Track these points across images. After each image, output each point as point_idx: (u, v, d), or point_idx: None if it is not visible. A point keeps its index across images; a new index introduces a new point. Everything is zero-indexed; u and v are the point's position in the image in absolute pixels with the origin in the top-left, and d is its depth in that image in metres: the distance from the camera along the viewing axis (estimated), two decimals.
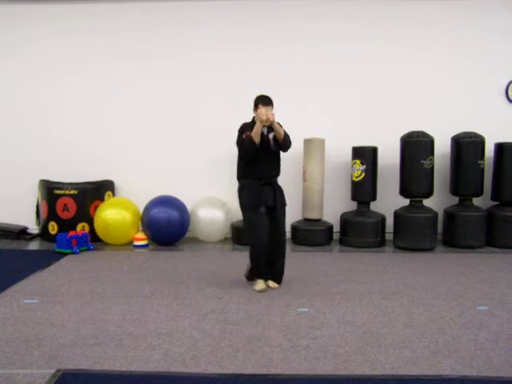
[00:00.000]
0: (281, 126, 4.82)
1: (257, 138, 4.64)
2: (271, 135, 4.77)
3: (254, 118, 4.79)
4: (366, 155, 6.85)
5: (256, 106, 4.72)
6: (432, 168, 6.74)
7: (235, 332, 3.83)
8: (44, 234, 7.14)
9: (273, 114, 4.66)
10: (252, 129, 4.69)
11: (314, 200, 6.95)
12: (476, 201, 6.97)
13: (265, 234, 4.74)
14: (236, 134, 4.84)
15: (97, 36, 7.31)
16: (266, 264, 4.84)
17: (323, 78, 7.23)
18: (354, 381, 3.11)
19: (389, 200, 7.07)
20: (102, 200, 7.03)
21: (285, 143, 4.81)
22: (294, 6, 7.17)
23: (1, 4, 7.29)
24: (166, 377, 3.14)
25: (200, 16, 7.23)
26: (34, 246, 6.99)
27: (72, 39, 7.33)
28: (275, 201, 4.82)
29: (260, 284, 4.85)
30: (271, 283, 4.92)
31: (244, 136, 4.71)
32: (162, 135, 7.34)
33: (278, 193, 4.87)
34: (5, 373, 3.15)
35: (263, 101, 4.71)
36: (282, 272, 4.96)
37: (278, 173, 4.96)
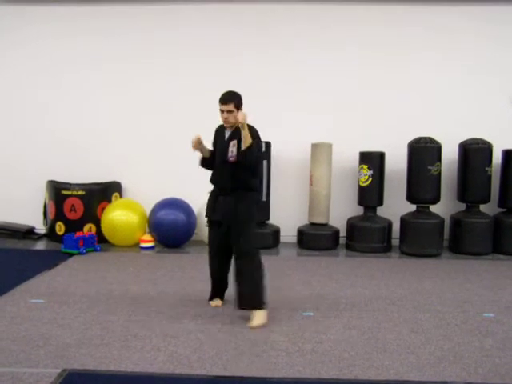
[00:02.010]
0: (253, 130, 4.05)
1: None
2: (233, 143, 4.11)
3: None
4: (373, 160, 6.84)
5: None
6: (439, 174, 6.73)
7: (240, 335, 3.83)
8: (51, 235, 7.17)
9: (244, 115, 3.93)
10: (217, 134, 4.30)
11: (320, 204, 6.95)
12: (483, 207, 6.94)
13: (214, 254, 4.38)
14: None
15: (103, 37, 7.34)
16: (220, 286, 4.50)
17: (331, 83, 7.22)
18: None
19: (395, 205, 7.06)
20: (109, 201, 7.06)
21: (245, 154, 3.98)
22: (301, 10, 7.18)
23: (1, 5, 7.36)
24: (171, 378, 3.15)
25: (211, 18, 7.27)
26: (40, 246, 7.02)
27: (77, 39, 7.36)
28: (225, 214, 4.15)
29: (213, 301, 4.54)
30: (255, 314, 4.06)
31: None
32: (170, 137, 7.34)
33: (234, 207, 4.10)
34: (11, 371, 3.17)
35: (221, 100, 4.08)
36: (249, 297, 4.08)
37: (239, 186, 4.12)
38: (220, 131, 4.30)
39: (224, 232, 4.21)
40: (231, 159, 4.10)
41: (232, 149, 4.10)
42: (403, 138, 6.88)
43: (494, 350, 3.63)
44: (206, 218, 4.45)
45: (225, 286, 4.54)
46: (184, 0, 7.21)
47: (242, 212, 4.13)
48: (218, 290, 4.54)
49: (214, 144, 4.38)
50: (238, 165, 4.09)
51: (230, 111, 4.06)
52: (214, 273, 4.48)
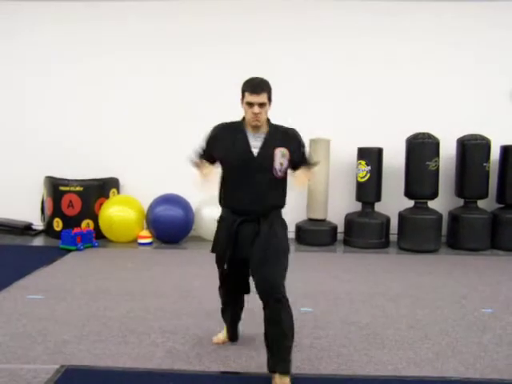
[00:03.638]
0: (296, 136, 3.16)
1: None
2: (281, 152, 3.03)
3: (243, 117, 3.12)
4: (371, 156, 6.84)
5: (243, 96, 3.02)
6: (437, 170, 6.73)
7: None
8: (49, 231, 7.15)
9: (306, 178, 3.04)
10: (232, 135, 3.10)
11: (318, 200, 6.95)
12: (481, 203, 6.94)
13: (233, 299, 3.46)
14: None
15: (102, 32, 7.32)
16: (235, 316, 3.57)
17: (330, 79, 7.21)
18: (358, 381, 3.11)
19: (393, 201, 7.05)
20: (107, 197, 7.05)
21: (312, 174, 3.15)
22: (298, 5, 7.15)
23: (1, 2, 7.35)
24: (169, 374, 3.15)
25: (209, 16, 7.24)
26: (38, 242, 7.01)
27: (77, 36, 7.34)
28: (261, 248, 3.02)
29: (219, 335, 3.65)
30: (277, 379, 2.97)
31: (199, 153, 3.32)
32: (168, 133, 7.33)
33: (272, 235, 3.05)
34: (9, 367, 3.17)
35: (251, 88, 2.97)
36: (284, 360, 2.98)
37: (277, 204, 3.13)
38: (233, 133, 3.12)
39: (244, 271, 3.21)
40: (279, 174, 3.05)
41: (281, 160, 3.03)
42: (401, 133, 6.87)
43: (492, 345, 3.64)
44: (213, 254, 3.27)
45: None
46: None
47: (284, 242, 3.13)
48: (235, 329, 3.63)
49: (212, 150, 3.25)
50: (280, 181, 3.11)
51: (262, 104, 2.98)
52: (231, 304, 3.50)
